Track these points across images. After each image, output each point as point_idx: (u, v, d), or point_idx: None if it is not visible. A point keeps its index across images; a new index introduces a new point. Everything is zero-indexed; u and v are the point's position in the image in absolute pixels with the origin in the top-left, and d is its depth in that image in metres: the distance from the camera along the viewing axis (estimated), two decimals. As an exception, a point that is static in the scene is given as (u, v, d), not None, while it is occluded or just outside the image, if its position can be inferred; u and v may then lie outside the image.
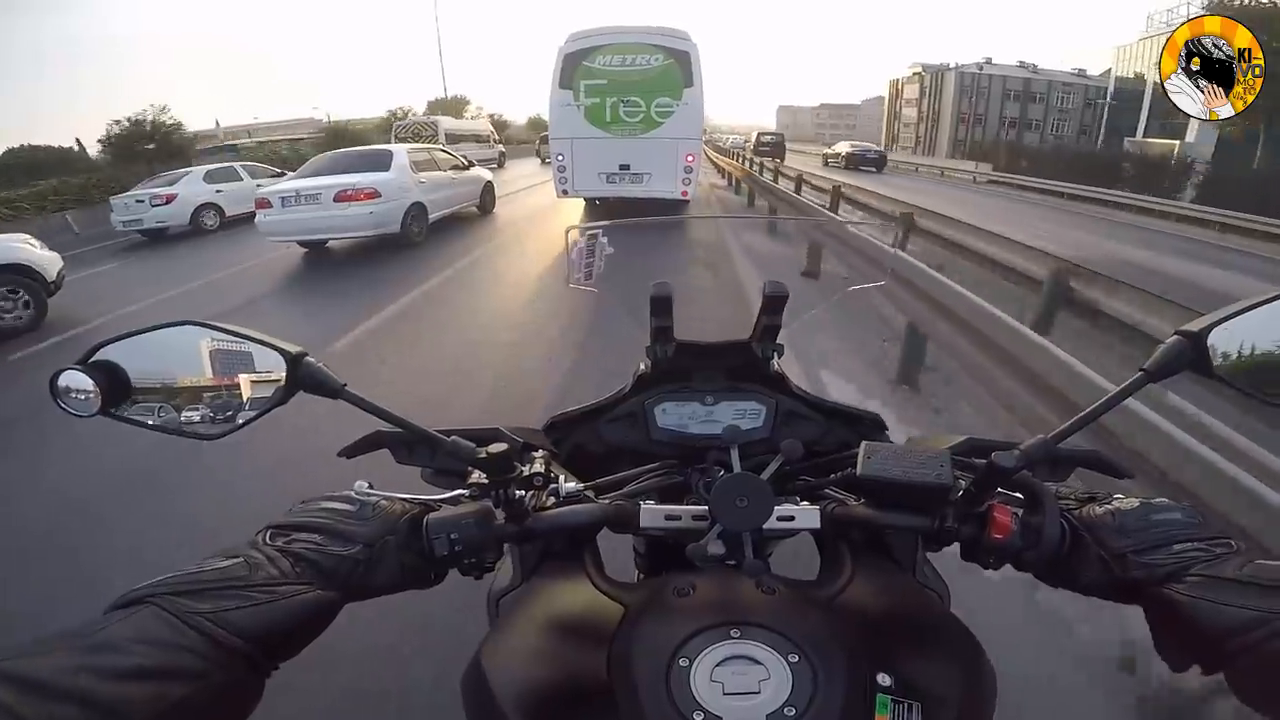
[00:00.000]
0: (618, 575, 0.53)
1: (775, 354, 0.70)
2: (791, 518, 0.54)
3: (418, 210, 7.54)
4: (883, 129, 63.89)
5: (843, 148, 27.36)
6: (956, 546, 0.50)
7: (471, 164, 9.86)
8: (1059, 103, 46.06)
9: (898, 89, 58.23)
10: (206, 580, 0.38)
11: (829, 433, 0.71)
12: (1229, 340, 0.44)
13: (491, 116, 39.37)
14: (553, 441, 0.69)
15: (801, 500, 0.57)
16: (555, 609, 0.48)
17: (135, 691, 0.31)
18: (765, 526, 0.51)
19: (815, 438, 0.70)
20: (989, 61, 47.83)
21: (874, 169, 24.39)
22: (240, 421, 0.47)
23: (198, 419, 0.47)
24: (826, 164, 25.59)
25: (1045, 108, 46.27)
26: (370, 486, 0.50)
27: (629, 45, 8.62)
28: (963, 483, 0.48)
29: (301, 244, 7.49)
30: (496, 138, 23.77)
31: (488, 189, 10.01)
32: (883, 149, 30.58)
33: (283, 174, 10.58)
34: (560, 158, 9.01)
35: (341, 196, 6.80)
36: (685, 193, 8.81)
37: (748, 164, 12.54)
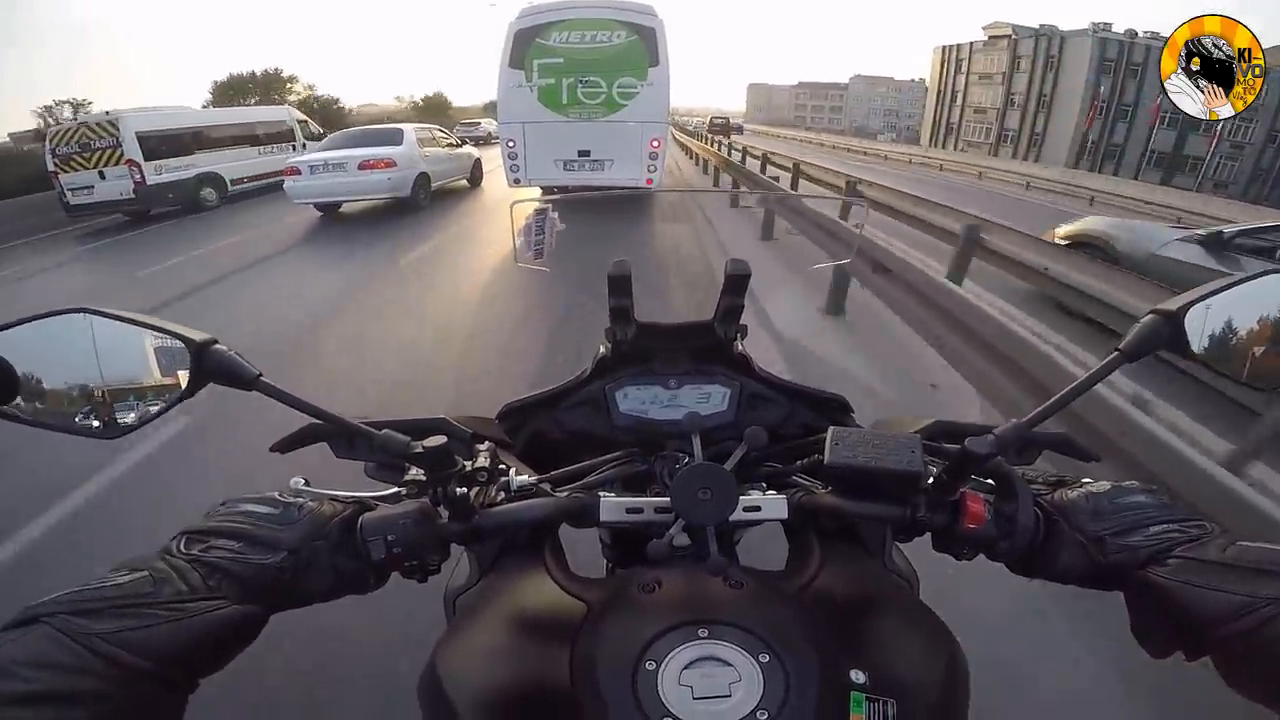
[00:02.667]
0: (585, 566, 0.52)
1: (739, 335, 0.67)
2: (758, 508, 0.51)
3: (423, 179, 9.13)
4: (926, 112, 45.78)
5: (719, 122, 43.91)
6: (928, 535, 0.49)
7: (464, 142, 11.47)
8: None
9: (955, 60, 41.67)
10: (106, 597, 0.34)
11: (793, 415, 0.69)
12: (1207, 319, 0.43)
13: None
14: (507, 429, 0.67)
15: (768, 488, 0.56)
16: (514, 607, 0.47)
17: (30, 717, 0.29)
18: (730, 518, 0.48)
19: (779, 421, 0.69)
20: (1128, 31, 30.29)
21: (738, 131, 41.23)
22: (142, 418, 0.44)
23: (94, 417, 0.43)
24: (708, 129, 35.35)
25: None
26: (306, 483, 0.48)
27: (588, 20, 7.88)
28: (933, 469, 0.47)
29: (318, 207, 9.03)
30: (311, 127, 14.14)
31: (476, 165, 11.57)
32: (740, 122, 51.40)
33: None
34: (511, 144, 8.29)
35: (365, 165, 8.41)
36: (650, 180, 8.26)
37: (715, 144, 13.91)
